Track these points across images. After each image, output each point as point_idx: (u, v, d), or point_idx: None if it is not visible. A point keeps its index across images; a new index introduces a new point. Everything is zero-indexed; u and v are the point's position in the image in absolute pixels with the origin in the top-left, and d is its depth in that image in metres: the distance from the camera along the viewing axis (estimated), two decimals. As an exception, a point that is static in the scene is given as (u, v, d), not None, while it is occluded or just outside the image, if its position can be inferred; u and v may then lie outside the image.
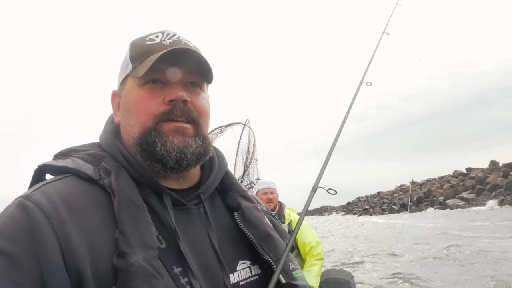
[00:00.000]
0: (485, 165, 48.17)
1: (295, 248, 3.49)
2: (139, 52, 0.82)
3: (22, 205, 0.65)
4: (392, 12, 2.03)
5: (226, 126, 7.35)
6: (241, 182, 6.73)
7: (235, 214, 0.88)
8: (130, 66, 0.82)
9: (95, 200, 0.72)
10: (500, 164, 44.66)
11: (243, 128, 7.42)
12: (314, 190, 1.11)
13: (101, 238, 0.67)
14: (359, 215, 60.44)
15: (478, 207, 35.36)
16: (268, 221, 0.92)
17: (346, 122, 1.36)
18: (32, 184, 0.76)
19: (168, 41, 0.82)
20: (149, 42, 0.82)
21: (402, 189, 68.65)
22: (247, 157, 7.01)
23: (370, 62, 1.63)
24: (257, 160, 7.07)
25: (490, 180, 42.02)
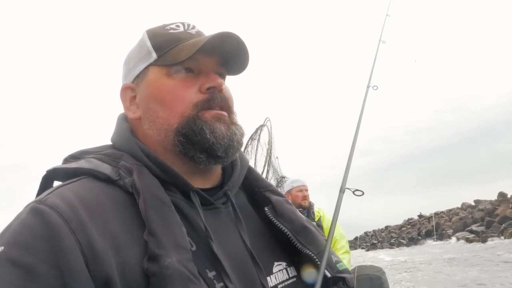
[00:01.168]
0: (493, 197, 47.51)
1: None
2: (164, 40, 0.77)
3: (35, 209, 0.59)
4: (384, 21, 2.07)
5: (255, 132, 7.65)
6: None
7: (266, 209, 0.83)
8: (154, 54, 0.77)
9: (117, 201, 0.65)
10: (509, 196, 44.01)
11: (261, 127, 7.72)
12: (342, 191, 1.08)
13: (127, 241, 0.61)
14: (367, 250, 59.03)
15: (494, 241, 34.36)
16: (301, 214, 0.87)
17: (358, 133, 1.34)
18: (40, 190, 0.69)
19: (193, 31, 0.79)
20: (172, 31, 0.78)
21: (410, 222, 67.29)
22: (267, 155, 7.26)
23: (373, 67, 1.66)
24: (277, 158, 7.35)
25: (499, 212, 41.23)
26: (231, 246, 0.72)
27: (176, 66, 0.75)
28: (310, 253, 0.77)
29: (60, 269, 0.53)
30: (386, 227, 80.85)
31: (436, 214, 59.04)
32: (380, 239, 68.71)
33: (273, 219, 0.81)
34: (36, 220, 0.57)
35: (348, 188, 1.10)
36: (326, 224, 3.54)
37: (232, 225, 0.76)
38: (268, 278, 0.74)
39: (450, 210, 55.32)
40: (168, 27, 0.79)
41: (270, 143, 7.34)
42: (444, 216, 54.36)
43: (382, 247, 55.60)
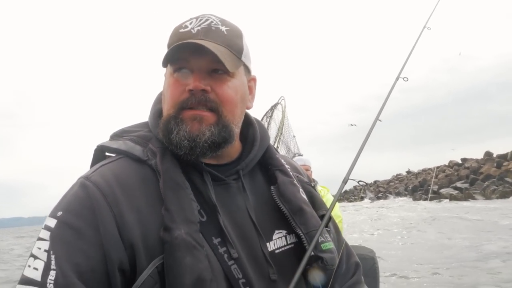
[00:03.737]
0: (480, 156, 48.94)
1: None
2: (172, 41, 0.84)
3: (83, 184, 0.78)
4: (435, 7, 2.01)
5: (270, 109, 7.95)
6: None
7: (272, 188, 0.95)
8: None
9: (144, 179, 0.82)
10: (494, 155, 45.39)
11: (275, 105, 8.08)
12: (344, 181, 1.14)
13: (150, 214, 0.77)
14: (352, 202, 61.52)
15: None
16: (303, 195, 0.96)
17: (379, 116, 1.36)
18: (93, 161, 0.89)
19: (196, 29, 0.83)
20: (182, 30, 0.84)
21: (398, 178, 69.51)
22: (277, 133, 7.70)
23: (408, 58, 1.61)
24: (294, 136, 7.81)
25: (483, 170, 42.71)
26: (236, 217, 0.86)
27: (172, 66, 0.84)
28: (300, 232, 0.88)
29: (100, 232, 0.72)
30: (375, 181, 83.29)
31: (424, 170, 60.83)
32: (368, 193, 71.12)
33: (276, 198, 0.92)
34: (83, 193, 0.76)
35: (352, 179, 1.15)
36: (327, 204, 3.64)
37: (240, 198, 0.89)
38: (267, 243, 0.87)
39: (437, 167, 56.88)
40: (183, 24, 0.86)
41: (282, 122, 7.74)
42: (431, 172, 56.01)
43: (369, 200, 57.88)
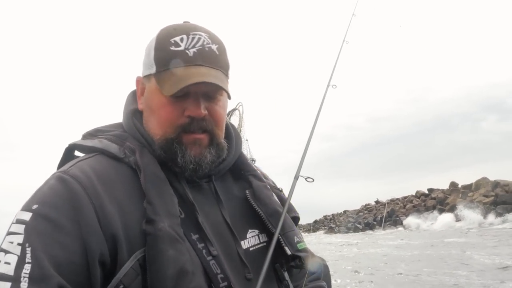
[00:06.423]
0: (445, 186, 49.73)
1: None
2: (163, 56, 0.86)
3: (61, 178, 0.77)
4: (349, 22, 2.18)
5: (227, 115, 7.62)
6: None
7: (247, 192, 0.98)
8: (154, 68, 0.87)
9: (122, 175, 0.83)
10: (460, 186, 46.19)
11: (232, 111, 7.93)
12: (296, 178, 1.22)
13: (130, 207, 0.78)
14: (325, 233, 60.65)
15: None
16: (276, 198, 1.00)
17: (316, 127, 1.46)
18: (63, 159, 0.89)
19: (192, 51, 0.84)
20: (173, 48, 0.85)
21: (367, 208, 69.58)
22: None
23: (335, 67, 1.74)
24: (247, 140, 7.75)
25: (449, 201, 43.23)
26: (211, 216, 0.88)
27: None
28: (276, 232, 0.91)
29: (79, 223, 0.72)
30: (345, 211, 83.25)
31: (392, 200, 61.21)
32: (338, 223, 70.76)
33: (252, 201, 0.96)
34: (61, 186, 0.76)
35: (301, 176, 1.20)
36: None
37: (213, 200, 0.92)
38: (242, 242, 0.90)
39: (405, 198, 57.33)
40: (172, 40, 0.86)
41: (239, 127, 7.80)
42: (399, 203, 56.39)
43: (339, 231, 57.23)
